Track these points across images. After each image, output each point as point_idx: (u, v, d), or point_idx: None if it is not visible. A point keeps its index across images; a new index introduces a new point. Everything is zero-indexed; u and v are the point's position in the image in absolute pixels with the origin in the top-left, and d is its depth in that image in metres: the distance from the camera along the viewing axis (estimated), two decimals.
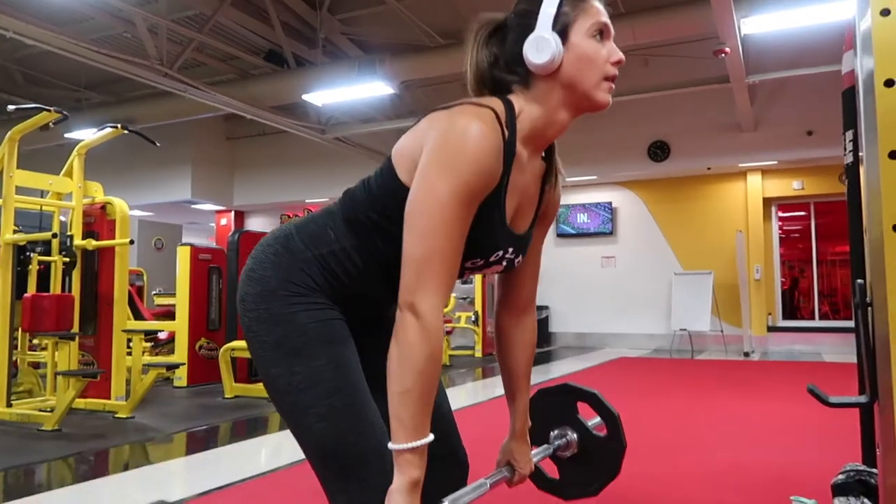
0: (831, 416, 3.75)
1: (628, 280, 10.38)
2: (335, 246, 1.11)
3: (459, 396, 5.30)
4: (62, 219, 4.80)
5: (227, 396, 5.17)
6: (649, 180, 10.25)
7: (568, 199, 10.79)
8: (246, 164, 12.35)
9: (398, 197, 1.03)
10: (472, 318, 9.10)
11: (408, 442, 0.94)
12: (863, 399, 1.14)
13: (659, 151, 9.25)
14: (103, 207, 4.66)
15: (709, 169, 9.65)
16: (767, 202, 9.85)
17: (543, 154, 1.20)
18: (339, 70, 7.49)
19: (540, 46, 1.06)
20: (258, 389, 5.22)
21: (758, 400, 4.87)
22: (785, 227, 10.15)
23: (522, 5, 1.11)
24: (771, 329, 9.69)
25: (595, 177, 10.14)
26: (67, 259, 4.46)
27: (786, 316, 9.99)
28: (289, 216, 11.36)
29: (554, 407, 1.47)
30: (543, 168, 1.20)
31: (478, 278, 9.08)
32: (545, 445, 1.45)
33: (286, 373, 1.06)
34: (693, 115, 8.89)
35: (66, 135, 8.97)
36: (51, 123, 4.14)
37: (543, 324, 10.49)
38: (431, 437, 0.97)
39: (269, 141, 11.87)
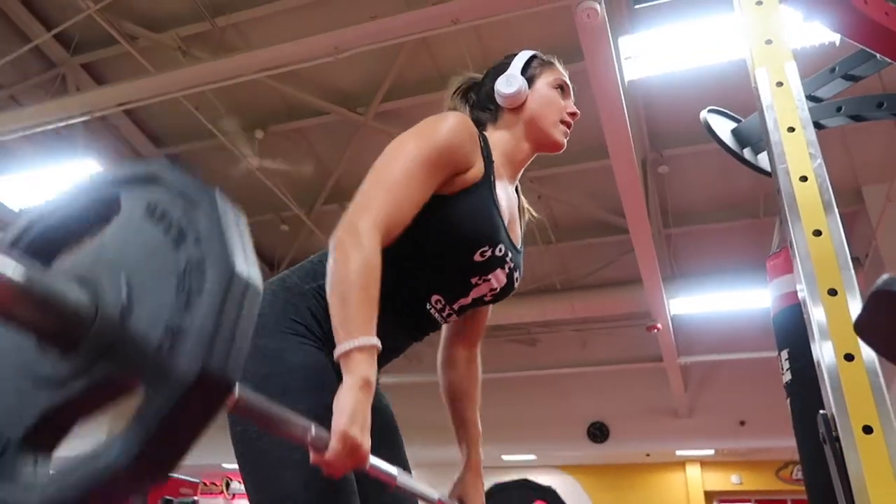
0: None
1: None
2: None
3: None
4: None
5: None
6: (590, 466, 10.04)
7: (505, 480, 10.34)
8: None
9: None
10: None
11: (352, 339, 0.89)
12: None
13: (598, 432, 9.22)
14: None
15: (648, 455, 9.58)
16: (709, 496, 9.65)
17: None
18: None
19: (510, 81, 1.25)
20: None
21: None
22: None
23: (499, 61, 1.33)
24: None
25: (534, 457, 9.88)
26: None
27: None
28: (205, 483, 10.47)
29: (513, 500, 1.36)
30: (517, 201, 1.29)
31: None
32: None
33: (266, 442, 0.96)
34: (631, 396, 9.10)
35: None
36: None
37: None
38: (378, 342, 0.91)
39: None
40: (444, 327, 1.36)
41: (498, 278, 1.17)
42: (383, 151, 1.09)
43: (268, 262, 8.03)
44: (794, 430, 2.11)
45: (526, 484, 1.40)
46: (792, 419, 2.11)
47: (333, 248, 0.98)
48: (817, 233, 1.23)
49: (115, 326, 0.51)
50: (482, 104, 1.29)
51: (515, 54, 1.32)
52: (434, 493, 1.11)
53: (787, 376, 2.17)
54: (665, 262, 6.34)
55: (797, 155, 1.25)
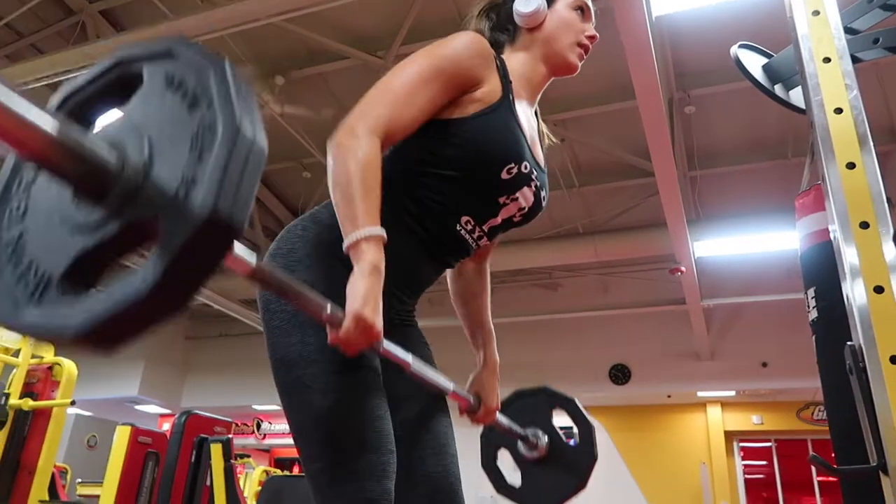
0: None
1: None
2: None
3: None
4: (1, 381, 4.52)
5: None
6: (611, 407, 10.18)
7: None
8: (201, 365, 12.03)
9: (419, 140, 1.09)
10: None
11: (357, 230, 0.92)
12: (870, 465, 1.06)
13: (620, 374, 9.33)
14: (50, 368, 4.43)
15: (669, 397, 9.68)
16: (729, 436, 9.76)
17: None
18: None
19: (528, 1, 1.23)
20: None
21: None
22: (749, 475, 9.94)
23: None
24: None
25: None
26: None
27: None
28: (237, 424, 10.83)
29: (529, 408, 1.43)
30: (537, 123, 1.29)
31: None
32: (514, 423, 1.38)
33: (299, 343, 1.00)
34: (653, 339, 9.15)
35: None
36: None
37: None
38: (383, 232, 0.95)
39: (229, 343, 11.71)
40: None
41: (525, 197, 1.17)
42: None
43: (291, 208, 8.09)
44: (818, 368, 2.12)
45: (546, 391, 1.44)
46: (817, 357, 2.12)
47: (331, 150, 1.00)
48: (851, 165, 1.21)
49: (138, 178, 0.58)
50: (501, 24, 1.28)
51: None
52: (449, 384, 1.15)
53: (814, 314, 2.16)
54: (690, 204, 6.28)
55: (832, 86, 1.23)
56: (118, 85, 0.67)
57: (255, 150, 0.58)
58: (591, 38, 1.27)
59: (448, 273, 1.37)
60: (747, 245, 6.03)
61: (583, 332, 9.22)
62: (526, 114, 1.22)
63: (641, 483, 9.74)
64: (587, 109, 5.77)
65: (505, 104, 1.13)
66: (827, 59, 1.27)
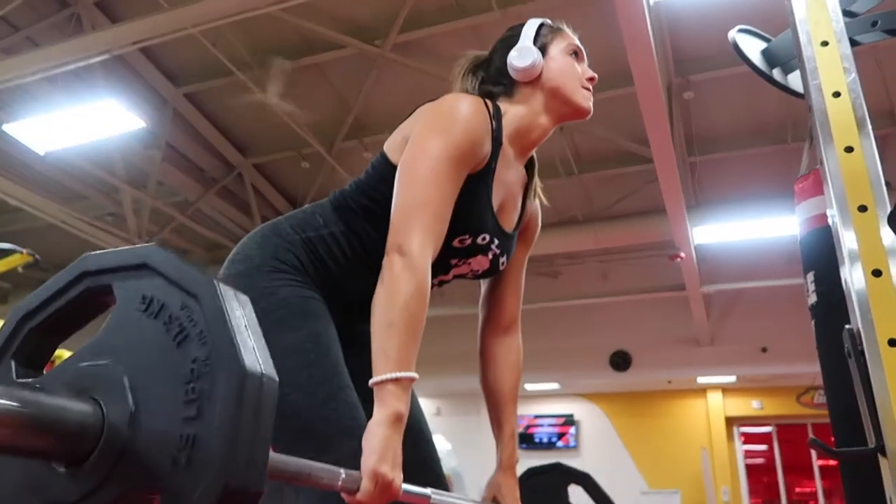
0: None
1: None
2: (323, 231, 1.11)
3: None
4: None
5: None
6: (612, 393, 10.23)
7: (529, 409, 10.61)
8: None
9: (389, 179, 1.06)
10: None
11: (391, 372, 0.89)
12: (869, 448, 1.07)
13: (620, 361, 9.36)
14: (52, 362, 4.44)
15: (669, 382, 9.71)
16: (729, 422, 9.81)
17: (525, 168, 1.27)
18: None
19: (522, 54, 1.20)
20: None
21: None
22: (749, 461, 9.98)
23: (506, 34, 1.28)
24: None
25: (557, 385, 10.08)
26: None
27: None
28: None
29: (543, 488, 1.38)
30: (525, 178, 1.27)
31: None
32: None
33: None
34: (653, 326, 9.17)
35: None
36: (20, 268, 4.11)
37: None
38: (416, 375, 0.92)
39: None
40: (479, 316, 1.33)
41: (479, 262, 1.17)
42: (405, 155, 1.05)
43: (290, 199, 8.08)
44: (818, 352, 2.13)
45: (559, 468, 1.41)
46: (816, 341, 2.13)
47: (384, 270, 0.97)
48: (849, 149, 1.21)
49: (123, 439, 0.48)
50: (494, 79, 1.24)
51: (521, 25, 1.26)
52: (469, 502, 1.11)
53: (813, 298, 2.16)
54: (689, 190, 6.27)
55: (830, 70, 1.22)
56: (83, 305, 0.59)
57: (266, 387, 0.49)
58: (591, 79, 1.25)
59: (479, 352, 1.32)
60: (747, 230, 6.02)
61: (583, 319, 9.23)
62: (510, 176, 1.19)
63: (643, 469, 9.80)
64: None
65: (483, 175, 1.10)
66: (825, 43, 1.27)
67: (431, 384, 9.67)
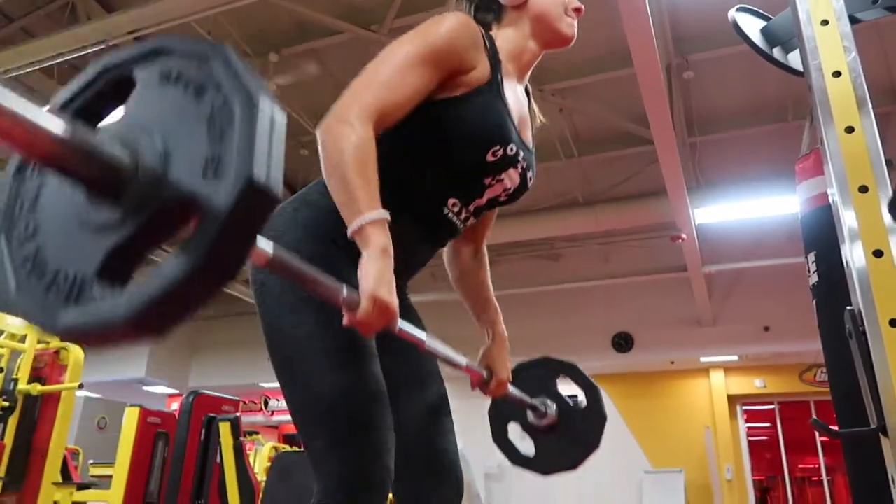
0: None
1: (598, 478, 9.91)
2: None
3: None
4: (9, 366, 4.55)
5: None
6: (615, 374, 10.25)
7: None
8: (207, 346, 12.11)
9: (400, 122, 1.06)
10: None
11: (361, 216, 0.92)
12: (871, 428, 1.08)
13: (623, 342, 9.39)
14: (57, 353, 4.46)
15: (672, 363, 9.74)
16: (732, 400, 9.85)
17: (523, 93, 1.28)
18: None
19: None
20: None
21: None
22: (752, 437, 10.05)
23: None
24: None
25: None
26: (6, 404, 4.16)
27: None
28: (245, 402, 10.94)
29: (532, 379, 1.45)
30: (527, 101, 1.28)
31: None
32: (523, 393, 1.40)
33: (295, 321, 1.01)
34: (655, 307, 9.19)
35: None
36: None
37: None
38: (386, 214, 0.94)
39: (234, 323, 11.75)
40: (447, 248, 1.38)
41: (511, 178, 1.18)
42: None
43: (290, 186, 8.07)
44: (819, 332, 2.14)
45: (548, 361, 1.47)
46: (818, 320, 2.13)
47: (322, 136, 0.99)
48: (849, 129, 1.21)
49: (156, 172, 0.57)
50: (485, 4, 1.26)
51: None
52: (462, 359, 1.17)
53: (814, 278, 2.17)
54: (690, 171, 6.26)
55: (830, 49, 1.22)
56: (107, 93, 0.65)
57: (276, 120, 0.57)
58: (577, 10, 1.26)
59: (446, 260, 1.39)
60: (748, 210, 6.01)
61: (585, 301, 9.25)
62: (515, 93, 1.21)
63: (646, 448, 9.86)
64: (585, 78, 5.71)
65: (493, 86, 1.12)
66: (825, 22, 1.26)
67: None
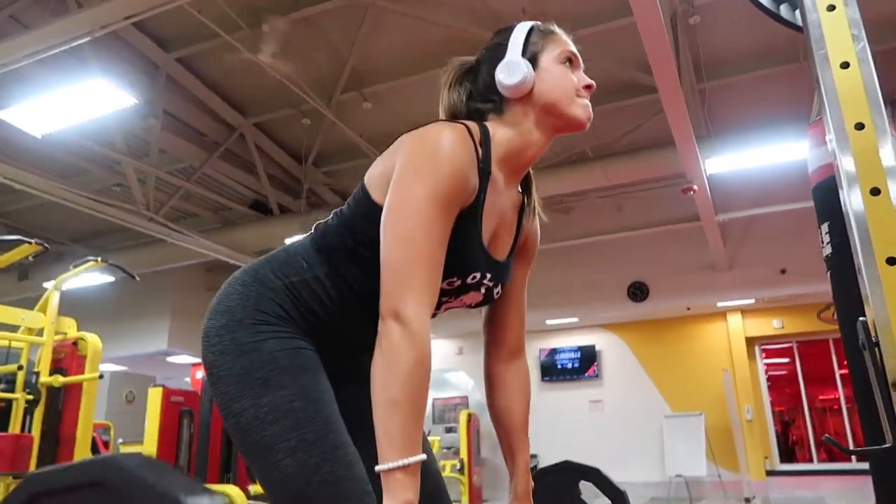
0: None
1: (618, 424, 10.07)
2: (307, 274, 1.05)
3: None
4: (31, 359, 4.62)
5: None
6: (631, 322, 10.28)
7: (550, 342, 10.73)
8: None
9: (371, 218, 1.00)
10: (458, 467, 8.65)
11: (399, 459, 0.85)
12: (886, 445, 1.05)
13: (638, 292, 9.37)
14: (75, 343, 4.51)
15: (688, 309, 9.73)
16: (750, 342, 9.86)
17: (520, 188, 1.19)
18: (322, 216, 7.69)
19: (511, 69, 1.09)
20: None
21: None
22: (772, 373, 10.08)
23: (493, 41, 1.17)
24: (769, 473, 9.29)
25: (576, 319, 10.15)
26: (31, 396, 4.24)
27: (783, 459, 9.63)
28: None
29: (554, 487, 1.37)
30: (520, 199, 1.19)
31: (462, 426, 8.74)
32: None
33: (252, 406, 0.95)
34: (669, 255, 9.12)
35: (45, 284, 8.92)
36: (30, 257, 4.12)
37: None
38: (424, 456, 0.87)
39: None
40: (484, 342, 1.27)
41: (472, 298, 1.11)
42: (390, 200, 0.97)
43: (294, 155, 8.00)
44: (834, 302, 2.09)
45: (569, 466, 1.40)
46: (833, 292, 2.09)
47: (381, 338, 0.90)
48: (845, 65, 1.15)
49: None
50: (483, 96, 1.13)
51: (508, 30, 1.15)
52: None
53: (828, 249, 2.12)
54: (699, 119, 6.10)
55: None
56: None
57: None
58: (588, 87, 1.14)
59: (484, 382, 1.26)
60: (760, 157, 5.86)
61: (599, 253, 9.20)
62: (501, 201, 1.11)
63: (666, 394, 9.95)
64: (588, 29, 5.53)
65: (470, 212, 1.03)
66: (831, 7, 1.18)
67: (454, 325, 9.78)
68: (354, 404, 1.05)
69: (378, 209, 0.99)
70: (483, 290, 1.11)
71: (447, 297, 1.09)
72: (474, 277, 1.06)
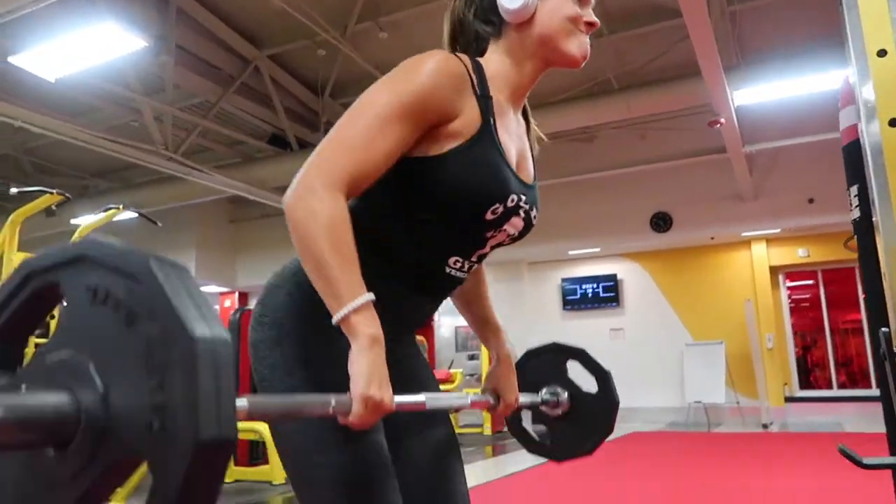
0: (861, 486, 3.55)
1: (639, 352, 10.18)
2: None
3: (469, 476, 5.07)
4: None
5: (226, 481, 4.96)
6: (653, 251, 10.23)
7: (572, 271, 10.75)
8: (249, 245, 12.39)
9: (385, 182, 0.99)
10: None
11: (344, 305, 0.87)
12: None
13: (661, 222, 9.27)
14: None
15: (712, 238, 9.63)
16: (774, 270, 9.78)
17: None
18: None
19: None
20: (259, 472, 5.01)
21: (780, 475, 4.64)
22: (794, 297, 10.04)
23: None
24: (788, 399, 9.41)
25: (598, 249, 10.12)
26: None
27: (802, 386, 9.73)
28: None
29: (542, 367, 1.45)
30: (525, 126, 1.18)
31: (484, 352, 8.91)
32: (532, 394, 1.41)
33: (299, 433, 0.98)
34: (693, 186, 8.96)
35: (72, 220, 9.07)
36: (53, 206, 4.16)
37: None
38: (371, 295, 0.89)
39: (272, 223, 11.94)
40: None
41: (514, 225, 1.09)
42: (354, 103, 0.97)
43: (311, 87, 7.86)
44: (859, 268, 2.04)
45: (556, 347, 1.46)
46: (859, 258, 2.03)
47: (288, 211, 0.90)
48: None
49: (99, 419, 0.54)
50: (484, 14, 1.11)
51: None
52: (466, 398, 1.14)
53: (856, 213, 2.04)
54: (729, 47, 5.84)
55: None
56: (36, 304, 0.62)
57: (219, 349, 0.52)
58: (590, 24, 1.09)
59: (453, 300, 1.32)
60: (793, 88, 5.63)
61: (622, 184, 9.05)
62: (511, 127, 1.09)
63: (687, 322, 9.99)
64: None
65: (485, 135, 1.00)
66: None
67: None
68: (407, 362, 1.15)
69: (393, 169, 0.98)
70: (523, 215, 1.09)
71: (492, 231, 1.07)
72: (513, 200, 1.05)
